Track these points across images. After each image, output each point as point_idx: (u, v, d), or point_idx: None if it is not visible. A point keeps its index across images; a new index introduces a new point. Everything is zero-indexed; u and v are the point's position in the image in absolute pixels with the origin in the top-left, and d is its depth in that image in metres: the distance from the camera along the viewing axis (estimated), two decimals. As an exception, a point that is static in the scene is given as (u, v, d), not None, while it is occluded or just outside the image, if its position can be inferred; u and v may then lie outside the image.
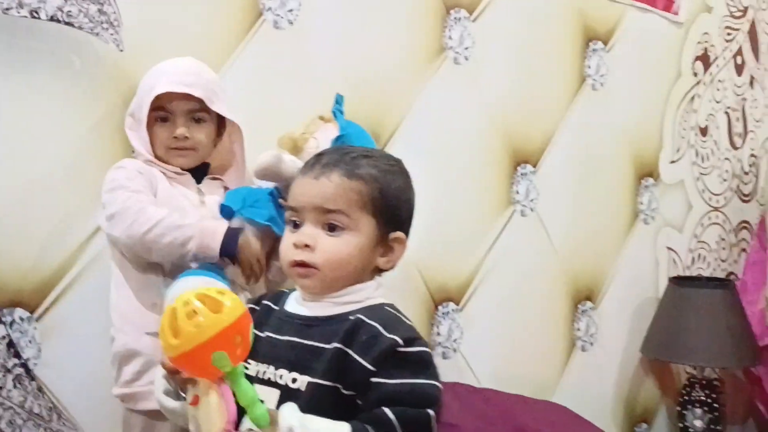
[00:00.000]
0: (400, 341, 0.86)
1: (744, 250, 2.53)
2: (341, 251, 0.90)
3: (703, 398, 2.15)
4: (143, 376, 1.23)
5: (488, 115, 1.88)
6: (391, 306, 0.94)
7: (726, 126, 2.46)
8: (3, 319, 1.30)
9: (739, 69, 2.48)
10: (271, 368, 0.90)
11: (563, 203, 2.04)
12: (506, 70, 1.91)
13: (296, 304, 0.95)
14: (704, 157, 2.39)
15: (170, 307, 0.79)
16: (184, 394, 0.89)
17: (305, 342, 0.90)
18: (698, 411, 2.14)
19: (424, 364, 0.88)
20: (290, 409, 0.82)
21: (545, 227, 2.00)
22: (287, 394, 0.87)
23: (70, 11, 1.31)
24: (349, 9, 1.66)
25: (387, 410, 0.83)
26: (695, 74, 2.34)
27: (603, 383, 2.16)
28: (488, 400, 1.63)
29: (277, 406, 0.85)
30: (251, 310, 0.97)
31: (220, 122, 1.36)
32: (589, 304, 2.11)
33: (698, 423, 2.14)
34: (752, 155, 2.56)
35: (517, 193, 1.94)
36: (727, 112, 2.45)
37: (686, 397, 2.17)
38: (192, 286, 1.13)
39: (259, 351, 0.88)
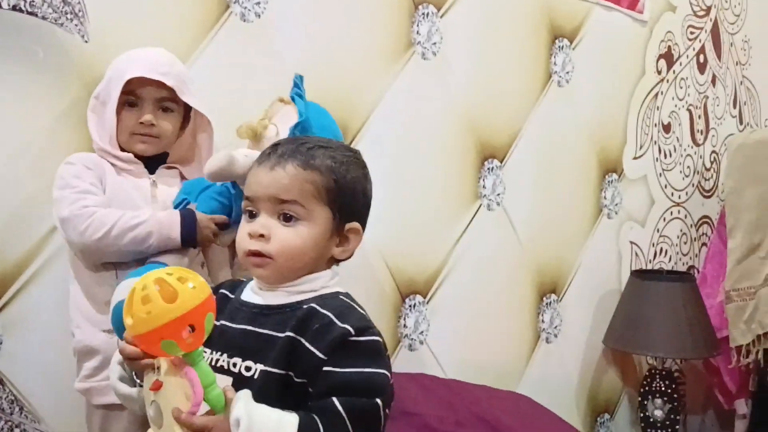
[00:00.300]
0: (352, 330, 0.87)
1: (704, 244, 2.60)
2: (296, 241, 0.91)
3: (663, 388, 2.20)
4: (101, 372, 1.23)
5: (456, 110, 1.90)
6: (346, 295, 0.95)
7: (688, 123, 2.51)
8: (-36, 311, 1.29)
9: (702, 67, 2.54)
10: (225, 356, 0.90)
11: (529, 198, 2.07)
12: (474, 66, 1.93)
13: (252, 293, 0.96)
14: (667, 153, 2.44)
15: (132, 288, 0.80)
16: (140, 381, 0.89)
17: (259, 330, 0.91)
18: (658, 401, 2.20)
19: (375, 353, 0.89)
20: (243, 397, 0.83)
21: (511, 221, 2.03)
22: (240, 382, 0.87)
23: (32, 1, 1.30)
24: (317, 2, 1.66)
25: (335, 400, 0.84)
26: (659, 72, 2.39)
27: (567, 374, 2.20)
28: (453, 391, 1.65)
29: None
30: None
31: (185, 115, 1.35)
32: (553, 296, 2.15)
33: (658, 413, 2.19)
34: (713, 152, 2.63)
35: (484, 187, 1.97)
36: (689, 110, 2.51)
37: (647, 388, 2.22)
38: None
39: (213, 339, 0.88)
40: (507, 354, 2.05)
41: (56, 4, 1.32)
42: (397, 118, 1.79)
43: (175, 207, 1.29)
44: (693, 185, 2.55)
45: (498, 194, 2.00)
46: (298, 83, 1.37)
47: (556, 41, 2.10)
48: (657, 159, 2.41)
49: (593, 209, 2.24)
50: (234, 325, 0.93)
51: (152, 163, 1.32)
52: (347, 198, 0.94)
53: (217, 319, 0.93)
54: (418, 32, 1.82)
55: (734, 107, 2.69)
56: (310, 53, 1.65)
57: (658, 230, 2.44)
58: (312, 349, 0.87)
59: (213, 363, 0.90)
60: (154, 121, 1.28)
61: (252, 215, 0.93)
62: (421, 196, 1.85)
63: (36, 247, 1.34)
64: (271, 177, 0.91)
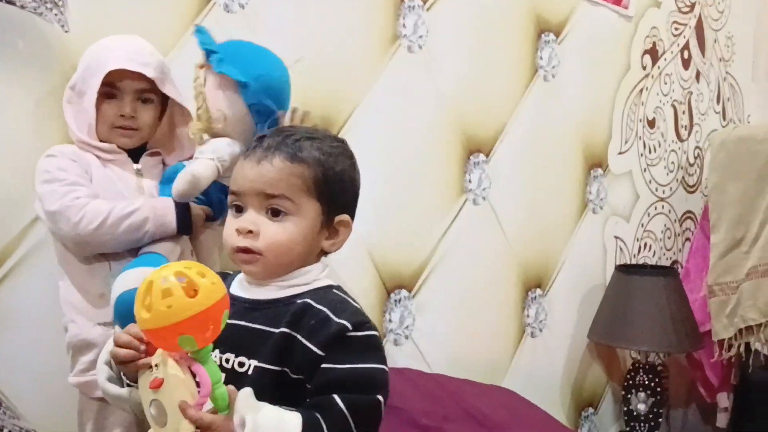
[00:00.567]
0: (349, 325, 0.86)
1: (688, 239, 2.61)
2: (285, 237, 0.89)
3: (646, 382, 2.21)
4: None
5: (441, 104, 1.89)
6: (338, 288, 0.94)
7: (672, 119, 2.52)
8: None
9: (686, 63, 2.55)
10: (217, 352, 0.88)
11: (515, 192, 2.07)
12: (460, 60, 1.92)
13: (240, 288, 0.95)
14: (651, 148, 2.46)
15: (148, 279, 0.78)
16: (128, 382, 0.87)
17: (251, 325, 0.89)
18: (642, 395, 2.21)
19: (373, 348, 0.88)
20: (246, 397, 0.82)
21: (497, 216, 2.03)
22: (233, 378, 0.86)
23: (11, -11, 1.27)
24: (302, -6, 1.65)
25: (336, 397, 0.83)
26: (644, 67, 2.39)
27: (551, 368, 2.21)
28: (438, 384, 1.65)
29: None
30: None
31: (162, 105, 1.34)
32: (538, 291, 2.15)
33: (642, 406, 2.21)
34: (697, 147, 2.64)
35: (470, 181, 1.96)
36: (673, 105, 2.52)
37: (631, 382, 2.23)
38: (140, 277, 1.12)
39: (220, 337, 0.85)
40: (492, 348, 2.05)
41: (35, -8, 1.30)
42: (383, 112, 1.78)
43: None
44: (677, 180, 2.56)
45: (484, 189, 1.99)
46: (199, 33, 1.29)
47: (543, 36, 2.10)
48: (642, 154, 2.42)
49: (578, 204, 2.24)
50: None
51: (134, 152, 1.30)
52: (336, 190, 0.92)
53: None
54: (404, 25, 1.81)
55: (718, 103, 2.71)
56: (295, 45, 1.63)
57: (642, 225, 2.45)
58: (308, 344, 0.86)
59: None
60: (135, 113, 1.26)
61: (239, 210, 0.92)
62: (406, 191, 1.84)
63: (14, 242, 1.32)
64: (258, 171, 0.89)
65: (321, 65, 1.67)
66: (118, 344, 0.84)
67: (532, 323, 2.14)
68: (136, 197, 1.25)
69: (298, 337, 0.87)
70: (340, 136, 1.68)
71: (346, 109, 1.71)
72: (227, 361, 0.88)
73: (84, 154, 1.25)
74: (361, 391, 0.85)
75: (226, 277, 0.98)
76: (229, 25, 1.53)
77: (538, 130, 2.10)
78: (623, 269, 2.24)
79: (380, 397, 0.86)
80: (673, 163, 2.54)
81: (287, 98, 1.32)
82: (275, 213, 0.90)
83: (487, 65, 1.98)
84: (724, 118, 2.74)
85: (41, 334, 1.31)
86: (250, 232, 0.89)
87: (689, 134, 2.60)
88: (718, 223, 2.29)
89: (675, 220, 2.57)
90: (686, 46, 2.54)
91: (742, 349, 2.23)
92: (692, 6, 2.54)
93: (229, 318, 0.91)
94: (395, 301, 1.83)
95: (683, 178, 2.59)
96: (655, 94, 2.44)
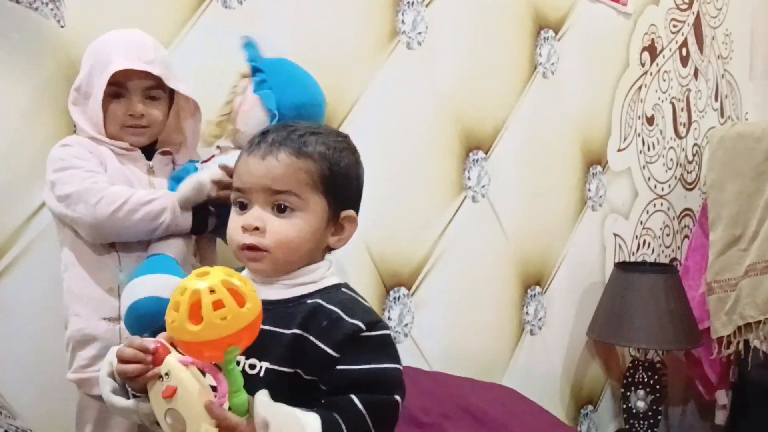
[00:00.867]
0: (363, 326, 0.85)
1: (687, 236, 2.61)
2: (292, 233, 0.88)
3: (646, 380, 2.21)
4: (99, 361, 1.18)
5: (440, 101, 1.88)
6: (347, 286, 0.93)
7: (671, 116, 2.52)
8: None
9: (684, 60, 2.55)
10: None
11: (514, 189, 2.06)
12: (459, 56, 1.91)
13: None
14: (650, 145, 2.45)
15: (191, 290, 0.75)
16: (134, 392, 0.85)
17: (261, 327, 0.88)
18: (641, 392, 2.21)
19: (387, 347, 0.87)
20: (265, 399, 0.81)
21: (496, 213, 2.03)
22: (245, 380, 0.83)
23: (7, -16, 1.26)
24: (300, -10, 1.64)
25: (354, 398, 0.82)
26: (642, 64, 2.39)
27: (551, 366, 2.20)
28: (438, 383, 1.64)
29: None
30: None
31: (170, 98, 1.32)
32: (537, 288, 2.14)
33: (641, 404, 2.21)
34: (695, 145, 2.64)
35: (469, 179, 1.96)
36: (672, 102, 2.52)
37: (630, 379, 2.23)
38: (154, 285, 1.11)
39: None
40: (491, 346, 2.04)
41: (31, -13, 1.29)
42: (382, 109, 1.77)
43: None
44: (676, 178, 2.56)
45: (483, 186, 1.99)
46: (248, 47, 1.30)
47: (542, 32, 2.09)
48: (640, 151, 2.42)
49: (578, 201, 2.24)
50: None
51: (146, 151, 1.29)
52: (342, 185, 0.91)
53: None
54: (403, 21, 1.80)
55: (716, 100, 2.71)
56: (293, 41, 1.62)
57: (641, 222, 2.44)
58: (321, 345, 0.85)
59: (213, 361, 0.87)
60: (144, 111, 1.25)
61: (243, 207, 0.90)
62: (405, 188, 1.83)
63: (11, 237, 1.31)
64: (264, 167, 0.88)
65: (319, 61, 1.65)
66: (122, 360, 0.83)
67: (531, 321, 2.13)
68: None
69: (311, 338, 0.85)
70: (338, 132, 1.68)
71: (345, 105, 1.70)
72: (237, 362, 0.86)
73: (99, 146, 1.24)
74: (379, 391, 0.84)
75: None
76: (227, 21, 1.52)
77: (538, 127, 2.10)
78: (622, 267, 2.23)
79: (398, 397, 0.86)
80: (671, 160, 2.54)
81: None
82: (281, 209, 0.88)
83: (487, 62, 1.97)
84: (722, 116, 2.74)
85: (39, 332, 1.30)
86: (257, 228, 0.88)
87: (688, 131, 2.60)
88: (716, 220, 2.29)
89: (674, 218, 2.57)
90: (684, 44, 2.54)
91: (741, 346, 2.23)
92: (690, 3, 2.54)
93: None
94: (394, 298, 1.82)
95: (682, 175, 2.59)
96: (653, 91, 2.44)
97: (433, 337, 1.90)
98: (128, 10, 1.40)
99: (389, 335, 0.88)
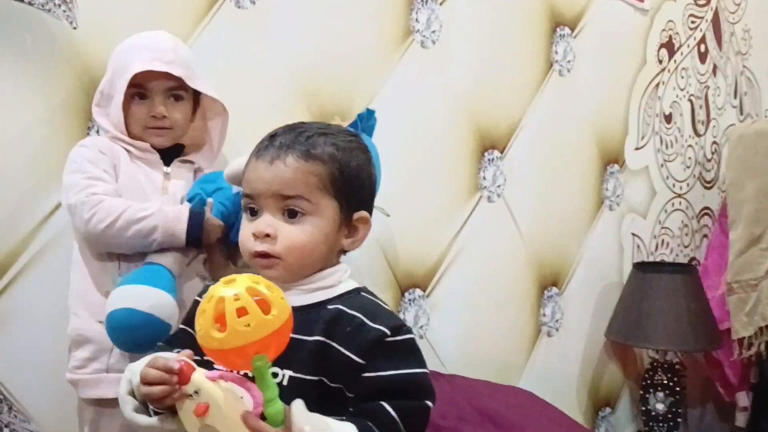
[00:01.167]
0: (387, 331, 0.84)
1: (705, 236, 2.57)
2: (304, 238, 0.87)
3: (665, 382, 2.18)
4: (91, 364, 1.19)
5: (455, 100, 1.86)
6: (366, 290, 0.92)
7: (689, 113, 2.48)
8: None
9: (703, 57, 2.51)
10: None
11: (530, 189, 2.04)
12: (473, 54, 1.89)
13: None
14: (668, 144, 2.42)
15: (217, 297, 0.74)
16: (156, 408, 0.84)
17: None
18: (660, 394, 2.18)
19: (413, 352, 0.86)
20: (300, 407, 0.79)
21: (512, 213, 2.00)
22: None
23: (19, -14, 1.26)
24: (313, -11, 1.62)
25: (386, 405, 0.81)
26: (660, 62, 2.36)
27: (568, 368, 2.18)
28: (455, 386, 1.62)
29: None
30: (196, 303, 0.93)
31: (194, 99, 1.32)
32: (554, 289, 2.12)
33: (660, 406, 2.18)
34: (714, 143, 2.60)
35: (484, 178, 1.93)
36: (690, 100, 2.48)
37: (649, 381, 2.20)
38: (131, 296, 1.11)
39: None
40: (508, 348, 2.02)
41: (44, -11, 1.28)
42: (396, 109, 1.75)
43: (189, 200, 1.26)
44: (694, 176, 2.52)
45: (498, 186, 1.96)
46: (368, 117, 1.33)
47: (557, 30, 2.06)
48: (658, 150, 2.38)
49: (595, 201, 2.21)
50: None
51: (167, 154, 1.29)
52: (353, 186, 0.90)
53: None
54: (417, 20, 1.78)
55: (735, 97, 2.67)
56: (307, 41, 1.61)
57: (659, 222, 2.41)
58: (346, 352, 0.83)
59: (236, 372, 0.85)
60: (166, 112, 1.25)
61: (253, 213, 0.89)
62: (420, 188, 1.82)
63: (25, 240, 1.31)
64: (272, 172, 0.87)
65: (332, 61, 1.64)
66: (147, 382, 0.81)
67: (548, 322, 2.11)
68: (158, 197, 1.23)
69: (335, 345, 0.84)
70: (352, 133, 1.67)
71: (359, 105, 1.68)
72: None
73: (114, 146, 1.24)
74: (409, 397, 0.83)
75: None
76: (240, 22, 1.51)
77: (554, 126, 2.07)
78: (641, 267, 2.20)
79: (429, 402, 0.85)
80: (690, 158, 2.50)
81: None
82: (292, 214, 0.87)
83: (502, 60, 1.95)
84: (741, 113, 2.70)
85: (50, 335, 1.29)
86: (268, 235, 0.86)
87: (706, 129, 2.56)
88: (736, 219, 2.25)
89: (692, 217, 2.53)
90: (703, 40, 2.50)
91: (762, 347, 2.19)
92: (709, -1, 2.50)
93: None
94: (409, 300, 1.80)
95: (700, 173, 2.55)
96: (671, 89, 2.40)
97: (449, 339, 1.88)
98: (141, 10, 1.39)
99: (414, 339, 0.87)
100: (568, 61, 2.09)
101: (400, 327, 0.86)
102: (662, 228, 2.42)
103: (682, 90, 2.44)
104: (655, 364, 2.21)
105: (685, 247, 2.52)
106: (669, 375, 2.18)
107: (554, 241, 2.10)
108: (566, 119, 2.11)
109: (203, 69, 1.40)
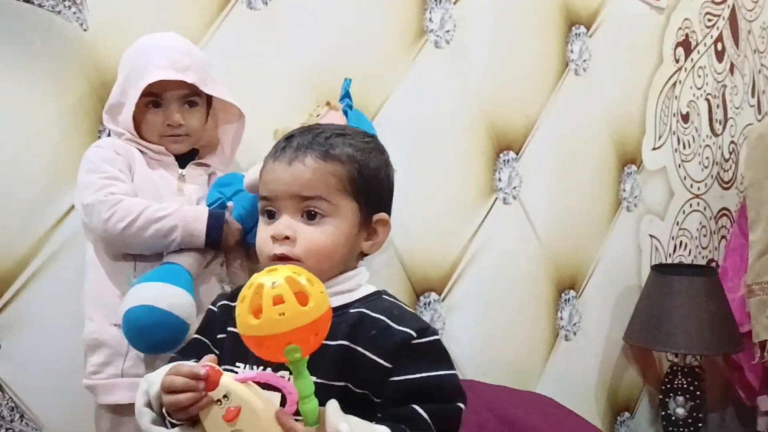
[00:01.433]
0: (413, 333, 0.82)
1: (724, 237, 2.53)
2: (324, 240, 0.85)
3: (684, 386, 2.14)
4: (106, 369, 1.18)
5: (470, 101, 1.84)
6: (386, 293, 0.90)
7: (707, 113, 2.45)
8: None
9: (720, 56, 2.47)
10: (269, 370, 0.82)
11: (546, 191, 2.01)
12: (488, 54, 1.87)
13: None
14: (686, 143, 2.38)
15: (257, 284, 0.74)
16: (173, 421, 0.82)
17: None
18: (680, 399, 2.14)
19: (441, 353, 0.85)
20: (335, 408, 0.77)
21: (528, 215, 1.97)
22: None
23: (30, -12, 1.24)
24: (326, -11, 1.60)
25: (418, 408, 0.80)
26: (677, 60, 2.32)
27: (586, 372, 2.14)
28: (473, 392, 1.58)
29: None
30: (209, 311, 0.92)
31: (207, 101, 1.31)
32: (572, 292, 2.08)
33: (680, 411, 2.14)
34: (732, 142, 2.56)
35: (500, 180, 1.91)
36: (707, 99, 2.44)
37: (668, 385, 2.16)
38: (150, 294, 1.10)
39: (249, 353, 0.79)
40: (525, 352, 1.99)
41: (54, -9, 1.27)
42: (410, 110, 1.73)
43: (209, 204, 1.24)
44: (712, 176, 2.48)
45: (514, 187, 1.93)
46: (348, 90, 1.32)
47: (573, 28, 2.03)
48: (676, 150, 2.34)
49: (612, 202, 2.17)
50: None
51: (181, 156, 1.28)
52: (372, 188, 0.88)
53: None
54: (430, 20, 1.75)
55: (753, 96, 2.63)
56: (319, 42, 1.59)
57: (677, 223, 2.37)
58: (371, 356, 0.81)
59: (257, 378, 0.82)
60: (183, 120, 1.24)
61: (271, 215, 0.87)
62: (435, 190, 1.79)
63: (37, 245, 1.29)
64: (291, 173, 0.85)
65: (345, 62, 1.62)
66: (172, 390, 0.78)
67: (565, 326, 2.07)
68: (174, 198, 1.22)
69: (359, 349, 0.82)
70: (366, 134, 1.64)
71: (373, 106, 1.67)
72: (283, 377, 0.82)
73: (130, 148, 1.23)
74: (441, 400, 0.82)
75: None
76: (252, 23, 1.49)
77: (570, 126, 2.04)
78: (659, 269, 2.17)
79: (461, 405, 0.83)
80: (707, 158, 2.46)
81: None
82: (311, 216, 0.85)
83: (517, 60, 1.92)
84: (759, 112, 2.65)
85: (62, 342, 1.27)
86: (287, 238, 0.84)
87: (724, 129, 2.52)
88: (756, 220, 2.21)
89: (710, 218, 2.49)
90: (720, 38, 2.46)
91: (784, 350, 2.15)
92: (725, -4, 2.46)
93: None
94: (424, 304, 1.78)
95: (718, 174, 2.51)
96: (688, 88, 2.36)
97: (465, 344, 1.85)
98: (152, 12, 1.38)
99: (440, 340, 0.85)
100: (584, 60, 2.06)
101: (426, 329, 0.84)
102: (680, 229, 2.39)
103: (699, 89, 2.41)
104: (674, 367, 2.17)
105: (704, 248, 2.48)
106: (689, 379, 2.14)
107: (571, 243, 2.07)
108: (582, 119, 2.07)
109: (215, 71, 1.38)
